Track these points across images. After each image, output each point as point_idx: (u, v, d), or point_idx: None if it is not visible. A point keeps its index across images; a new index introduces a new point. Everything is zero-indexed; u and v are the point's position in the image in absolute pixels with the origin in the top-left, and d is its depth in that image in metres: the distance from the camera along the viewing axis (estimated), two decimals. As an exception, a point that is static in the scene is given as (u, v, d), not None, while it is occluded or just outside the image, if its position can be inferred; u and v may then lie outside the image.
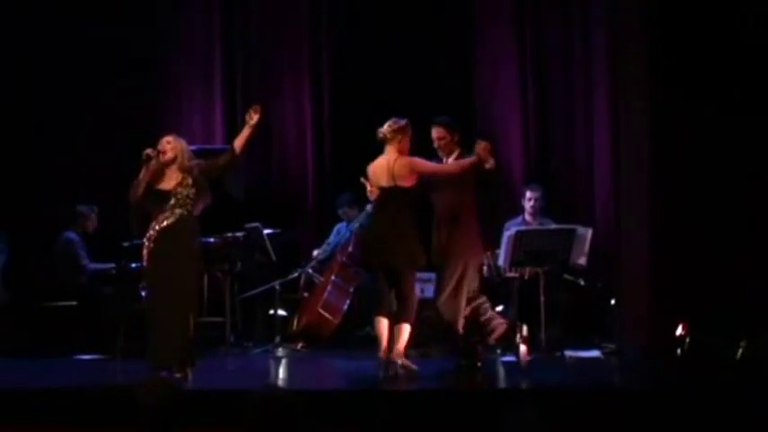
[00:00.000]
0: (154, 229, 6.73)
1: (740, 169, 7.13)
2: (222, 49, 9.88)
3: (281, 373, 7.69)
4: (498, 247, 7.98)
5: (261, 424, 3.78)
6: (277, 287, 8.65)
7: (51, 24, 9.51)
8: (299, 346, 8.55)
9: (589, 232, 7.95)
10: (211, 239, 8.14)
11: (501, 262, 8.01)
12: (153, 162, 6.74)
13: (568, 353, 7.73)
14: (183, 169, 6.78)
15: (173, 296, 6.65)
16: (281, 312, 8.71)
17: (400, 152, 6.83)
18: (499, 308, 8.43)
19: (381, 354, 6.75)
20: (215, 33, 9.89)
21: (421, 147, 7.05)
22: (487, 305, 7.24)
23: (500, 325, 7.25)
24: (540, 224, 8.31)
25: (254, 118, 6.81)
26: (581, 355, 7.73)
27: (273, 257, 8.62)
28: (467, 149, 7.03)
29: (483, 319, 7.16)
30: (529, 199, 8.42)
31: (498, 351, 7.97)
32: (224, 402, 5.92)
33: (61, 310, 8.53)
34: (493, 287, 8.34)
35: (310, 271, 8.91)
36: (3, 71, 9.36)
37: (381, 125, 6.95)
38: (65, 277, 8.70)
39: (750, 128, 7.12)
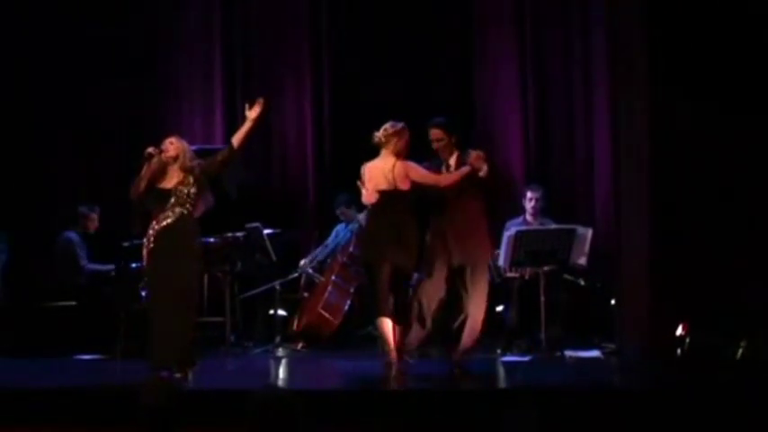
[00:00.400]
0: (153, 228, 6.73)
1: (740, 169, 7.13)
2: (222, 50, 9.88)
3: (281, 373, 7.69)
4: (498, 247, 7.99)
5: (261, 424, 3.78)
6: (277, 287, 8.65)
7: (51, 24, 9.51)
8: (300, 346, 8.56)
9: (589, 232, 7.95)
10: (212, 239, 8.14)
11: (501, 262, 8.01)
12: (155, 160, 6.74)
13: (568, 353, 7.73)
14: (184, 168, 6.78)
15: (173, 296, 6.64)
16: (281, 312, 8.72)
17: (397, 155, 6.84)
18: (499, 308, 8.45)
19: (392, 355, 6.74)
20: (215, 33, 9.90)
21: (422, 148, 7.04)
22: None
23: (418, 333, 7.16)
24: (541, 224, 8.31)
25: (255, 111, 6.81)
26: (581, 355, 7.73)
27: (274, 257, 8.62)
28: (466, 150, 7.02)
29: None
30: (530, 199, 8.41)
31: (498, 351, 8.00)
32: (224, 402, 5.92)
33: (61, 310, 8.53)
34: (493, 287, 8.35)
35: (311, 271, 8.91)
36: (3, 71, 9.35)
37: (382, 125, 6.95)
38: (64, 277, 8.70)
39: (750, 128, 7.11)
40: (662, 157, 7.24)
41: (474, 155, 6.87)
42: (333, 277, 8.64)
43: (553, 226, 8.21)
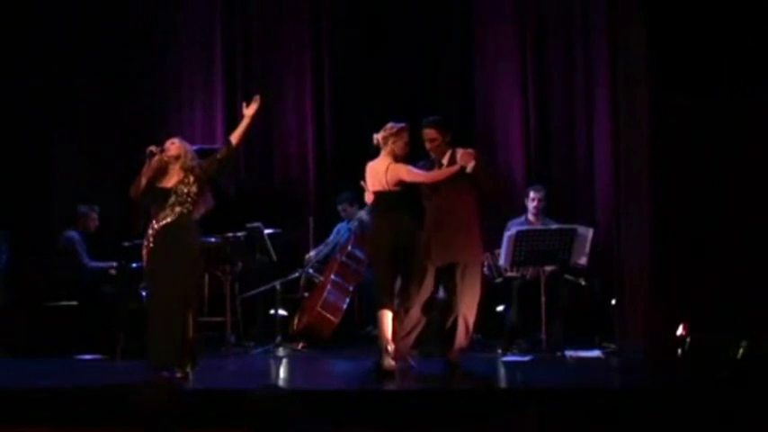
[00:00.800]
0: (153, 227, 6.73)
1: (740, 169, 7.13)
2: (223, 50, 9.89)
3: (282, 373, 7.69)
4: (499, 247, 7.99)
5: (260, 424, 3.78)
6: (278, 287, 8.65)
7: (51, 24, 9.51)
8: (300, 345, 8.56)
9: (590, 232, 7.96)
10: (212, 239, 8.14)
11: (502, 262, 8.02)
12: (156, 159, 6.74)
13: (569, 353, 7.74)
14: (185, 168, 6.78)
15: (173, 296, 6.64)
16: (281, 312, 8.72)
17: (394, 156, 6.86)
18: (500, 308, 8.46)
19: (393, 349, 6.74)
20: (216, 33, 9.90)
21: (421, 148, 7.05)
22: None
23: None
24: (543, 225, 8.31)
25: (252, 108, 6.83)
26: (581, 355, 7.73)
27: (274, 257, 8.62)
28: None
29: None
30: (532, 199, 8.41)
31: (499, 351, 8.00)
32: (224, 402, 5.92)
33: (61, 310, 8.53)
34: (493, 287, 8.36)
35: (311, 271, 8.91)
36: (3, 71, 9.35)
37: (382, 125, 6.97)
38: (65, 276, 8.70)
39: (750, 128, 7.11)
40: (662, 157, 7.24)
41: (461, 152, 6.88)
42: (332, 276, 8.64)
43: (554, 226, 8.21)
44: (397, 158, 6.87)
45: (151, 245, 6.71)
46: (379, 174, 6.87)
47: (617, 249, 7.73)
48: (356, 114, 9.30)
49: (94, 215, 8.92)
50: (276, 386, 5.81)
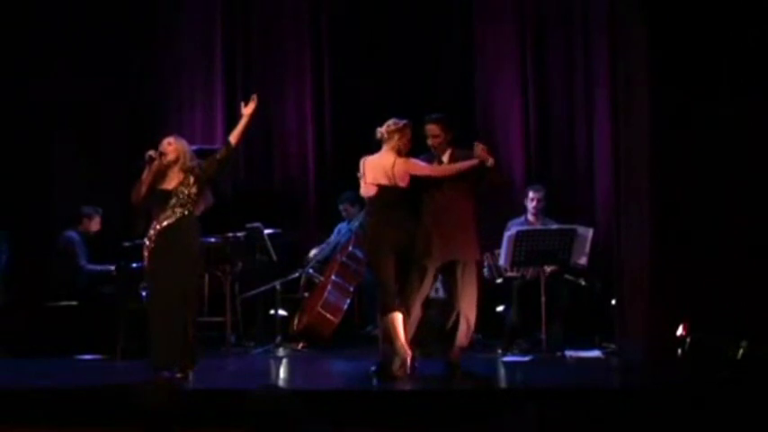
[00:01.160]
0: (154, 228, 6.73)
1: (741, 169, 7.12)
2: (223, 50, 9.88)
3: (282, 373, 7.69)
4: (499, 247, 7.99)
5: (260, 424, 3.78)
6: (278, 287, 8.65)
7: (51, 24, 9.51)
8: (300, 345, 8.56)
9: (590, 232, 7.96)
10: (212, 239, 8.15)
11: (502, 262, 8.02)
12: (155, 164, 6.74)
13: (569, 353, 7.74)
14: (184, 170, 6.78)
15: (173, 296, 6.64)
16: (281, 312, 8.71)
17: (398, 152, 6.85)
18: (500, 308, 8.46)
19: (404, 351, 6.73)
20: (216, 33, 9.90)
21: (421, 147, 7.05)
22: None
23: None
24: (543, 225, 8.31)
25: (250, 107, 6.84)
26: (581, 355, 7.73)
27: (274, 257, 8.62)
28: (462, 145, 7.01)
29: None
30: (532, 199, 8.41)
31: (499, 351, 8.00)
32: (224, 402, 5.91)
33: (61, 310, 8.53)
34: (493, 287, 8.36)
35: (311, 271, 8.91)
36: (3, 71, 9.35)
37: (382, 125, 6.96)
38: (63, 276, 8.70)
39: (750, 127, 7.11)
40: (662, 157, 7.24)
41: (480, 146, 6.87)
42: (332, 277, 8.64)
43: (554, 226, 8.21)
44: (400, 154, 6.87)
45: (152, 245, 6.72)
46: (386, 168, 6.84)
47: (617, 249, 7.73)
48: (356, 114, 9.29)
49: (97, 218, 8.92)
50: (276, 386, 5.82)
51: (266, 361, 8.10)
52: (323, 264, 8.96)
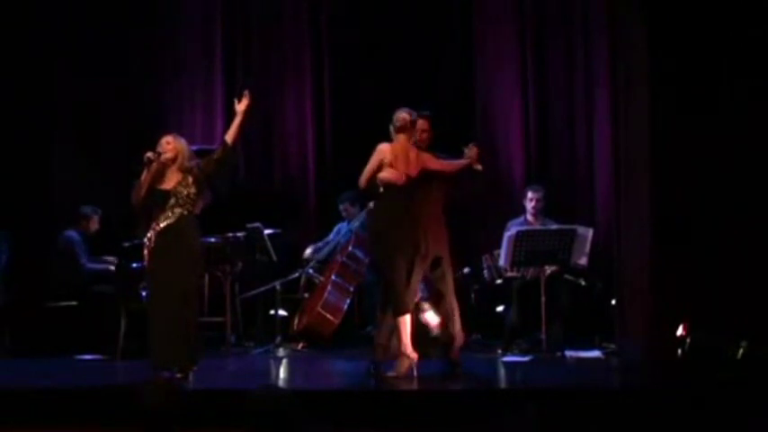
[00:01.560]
0: (154, 228, 6.73)
1: (741, 168, 7.12)
2: (223, 50, 9.88)
3: (282, 373, 7.69)
4: (498, 247, 8.00)
5: (260, 424, 3.78)
6: (278, 287, 8.65)
7: (51, 24, 9.51)
8: (300, 346, 8.56)
9: (590, 232, 7.97)
10: (212, 239, 8.15)
11: (502, 262, 8.02)
12: (154, 165, 6.74)
13: (569, 353, 7.74)
14: (182, 169, 6.79)
15: (174, 296, 6.63)
16: (281, 312, 8.72)
17: (416, 144, 6.85)
18: (500, 308, 8.46)
19: (412, 353, 6.73)
20: (216, 33, 9.90)
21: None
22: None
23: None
24: (542, 225, 8.31)
25: (243, 104, 6.83)
26: (581, 355, 7.74)
27: (274, 257, 8.62)
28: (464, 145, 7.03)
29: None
30: (531, 199, 8.42)
31: (499, 351, 8.00)
32: (224, 402, 5.91)
33: (61, 310, 8.53)
34: (493, 288, 8.37)
35: (311, 272, 8.91)
36: (3, 71, 9.35)
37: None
38: (64, 276, 8.70)
39: (750, 128, 7.11)
40: (662, 157, 7.24)
41: (475, 150, 6.89)
42: (332, 277, 8.64)
43: (554, 226, 8.21)
44: (418, 147, 6.87)
45: (152, 245, 6.72)
46: (410, 158, 6.81)
47: (617, 249, 7.73)
48: (356, 114, 9.30)
49: (96, 218, 8.92)
50: (276, 386, 5.82)
51: (266, 361, 8.10)
52: (323, 264, 8.96)
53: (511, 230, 7.98)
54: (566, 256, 7.88)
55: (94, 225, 8.92)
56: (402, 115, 6.84)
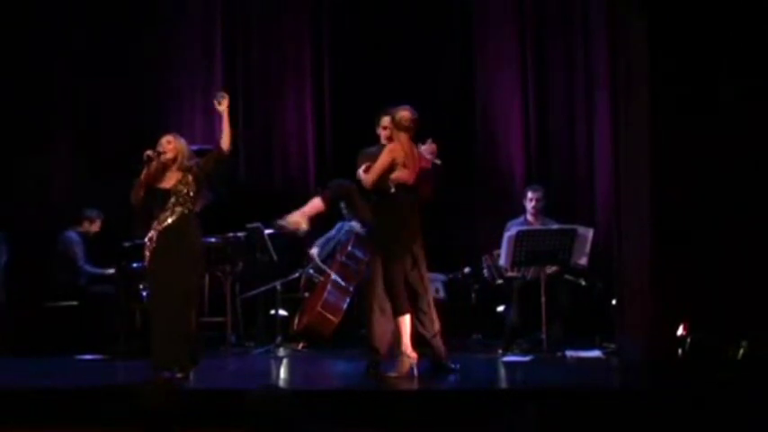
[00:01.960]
0: (155, 228, 6.73)
1: (741, 168, 7.12)
2: (223, 50, 9.89)
3: (282, 373, 7.69)
4: (498, 247, 8.00)
5: (260, 424, 3.78)
6: (278, 287, 8.65)
7: (51, 24, 9.51)
8: (300, 346, 8.56)
9: (590, 232, 7.96)
10: (212, 239, 8.15)
11: (502, 262, 8.02)
12: (153, 163, 6.74)
13: (569, 353, 7.74)
14: (182, 169, 6.79)
15: (174, 296, 6.64)
16: (281, 312, 8.71)
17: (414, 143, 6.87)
18: (500, 308, 8.46)
19: (412, 353, 6.73)
20: (216, 33, 9.91)
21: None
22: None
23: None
24: (542, 224, 8.31)
25: (222, 104, 6.79)
26: (582, 355, 7.73)
27: (275, 257, 8.61)
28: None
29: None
30: (530, 199, 8.42)
31: (499, 351, 8.00)
32: (224, 402, 5.91)
33: (61, 310, 8.54)
34: (494, 288, 8.36)
35: (311, 271, 8.91)
36: (3, 71, 9.35)
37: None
38: (63, 277, 8.70)
39: (751, 127, 7.11)
40: (662, 157, 7.23)
41: (434, 145, 6.91)
42: (332, 276, 8.64)
43: (554, 226, 8.21)
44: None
45: (154, 245, 6.72)
46: (415, 157, 6.80)
47: (617, 249, 7.73)
48: (356, 114, 9.29)
49: (98, 221, 8.93)
50: (276, 386, 5.81)
51: (266, 361, 8.10)
52: (323, 263, 8.95)
53: (511, 230, 7.98)
54: (566, 256, 7.88)
55: (95, 228, 8.93)
56: (406, 114, 6.83)
